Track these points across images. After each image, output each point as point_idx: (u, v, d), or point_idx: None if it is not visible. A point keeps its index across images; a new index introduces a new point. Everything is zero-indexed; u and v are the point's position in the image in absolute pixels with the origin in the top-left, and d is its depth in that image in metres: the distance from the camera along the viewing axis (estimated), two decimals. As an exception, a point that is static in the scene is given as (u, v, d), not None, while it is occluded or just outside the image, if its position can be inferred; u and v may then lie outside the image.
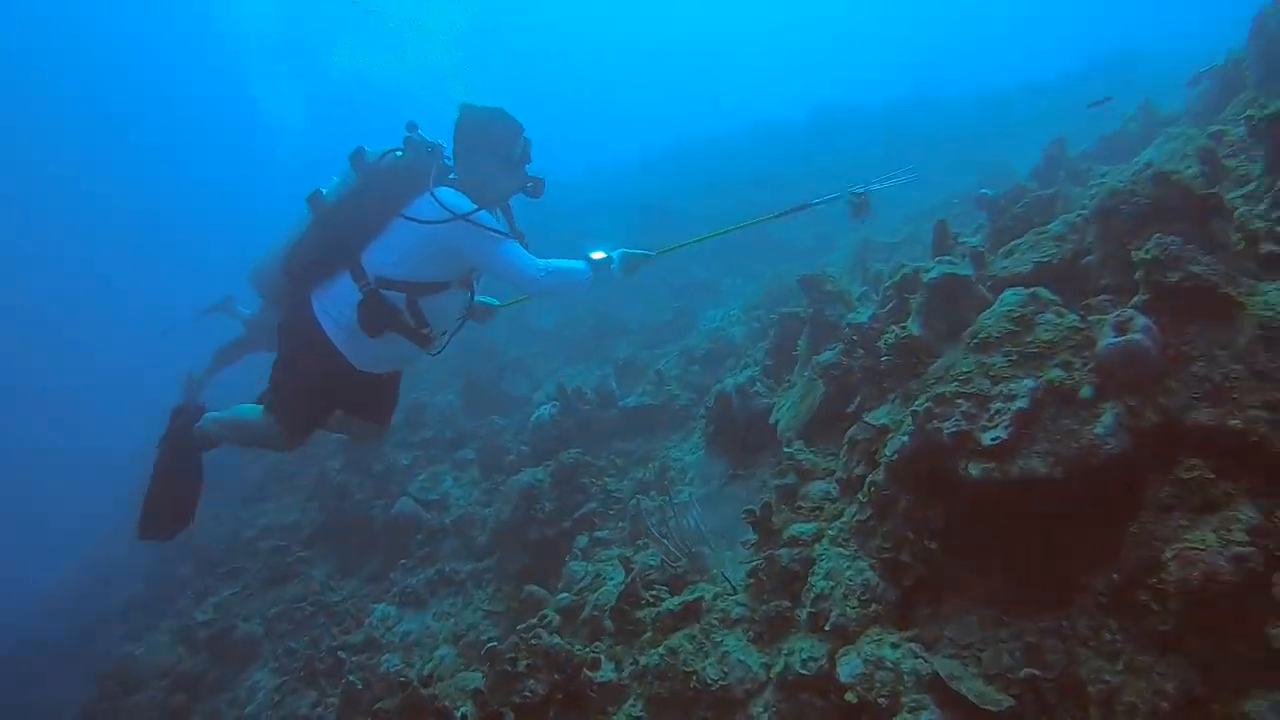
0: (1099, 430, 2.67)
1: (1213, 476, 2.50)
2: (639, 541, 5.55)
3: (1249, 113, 3.58)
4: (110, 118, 43.05)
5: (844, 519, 3.52)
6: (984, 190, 5.26)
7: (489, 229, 3.48)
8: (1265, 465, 2.48)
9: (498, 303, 4.50)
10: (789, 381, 5.10)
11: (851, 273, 7.44)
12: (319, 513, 9.11)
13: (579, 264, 3.72)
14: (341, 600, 7.95)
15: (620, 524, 6.45)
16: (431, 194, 3.45)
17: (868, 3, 54.10)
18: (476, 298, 4.23)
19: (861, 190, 3.92)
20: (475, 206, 3.50)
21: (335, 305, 3.62)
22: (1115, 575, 2.63)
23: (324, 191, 3.73)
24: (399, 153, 3.76)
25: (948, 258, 3.52)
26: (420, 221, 3.46)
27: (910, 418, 2.96)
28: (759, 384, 5.43)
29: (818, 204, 4.08)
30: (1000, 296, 3.15)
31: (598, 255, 3.79)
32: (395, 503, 8.46)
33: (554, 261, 3.64)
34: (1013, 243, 3.79)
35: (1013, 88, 19.67)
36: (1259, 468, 2.49)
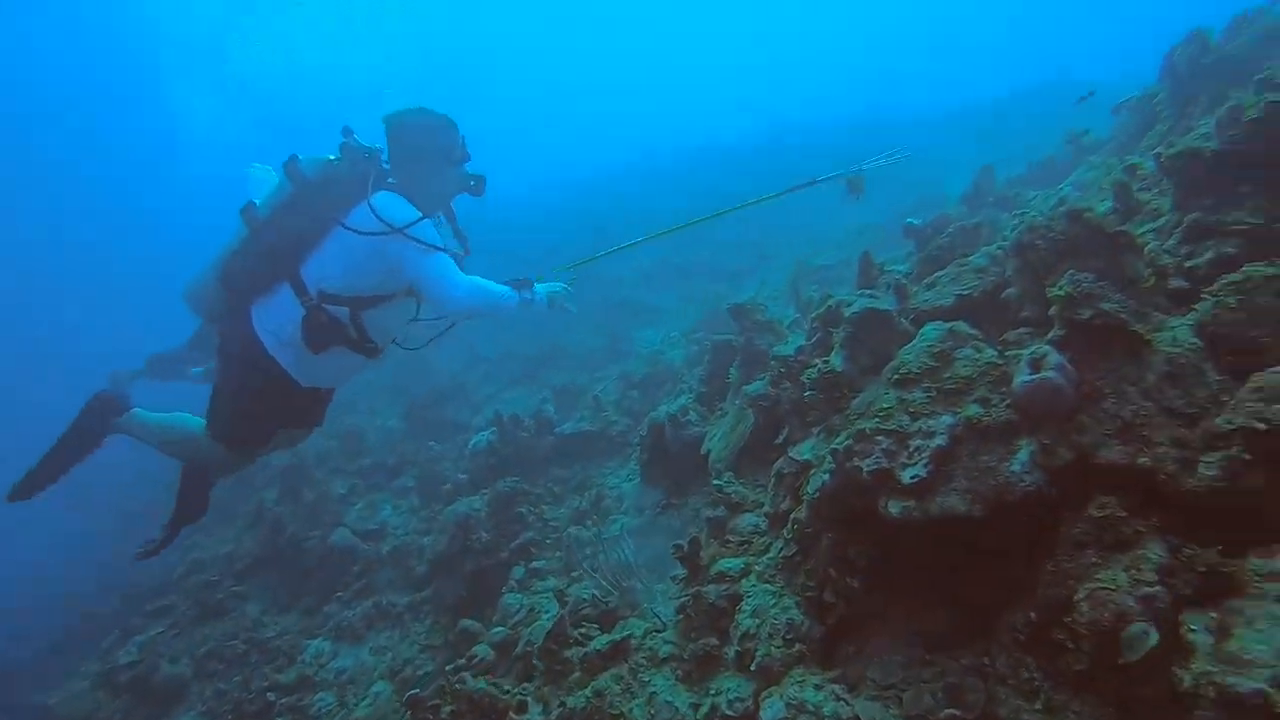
0: (1015, 467, 2.68)
1: (1124, 514, 2.52)
2: (573, 573, 5.47)
3: (1158, 150, 3.66)
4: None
5: (771, 554, 3.49)
6: (911, 219, 5.32)
7: (421, 242, 3.37)
8: (1173, 502, 2.50)
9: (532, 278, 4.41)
10: (721, 410, 5.08)
11: (788, 296, 7.49)
12: (254, 544, 8.82)
13: (505, 289, 3.60)
14: (275, 636, 7.68)
15: (557, 553, 6.35)
16: (368, 203, 3.35)
17: (819, 28, 55.23)
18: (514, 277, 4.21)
19: (858, 171, 3.93)
20: (416, 213, 3.41)
21: (276, 321, 3.49)
22: (1033, 613, 2.63)
23: (257, 203, 3.59)
24: (335, 160, 3.64)
25: (870, 291, 3.53)
26: (359, 233, 3.35)
27: (831, 456, 2.95)
28: (692, 412, 5.40)
29: (820, 181, 4.06)
30: (921, 331, 3.16)
31: (525, 283, 3.70)
32: (331, 533, 8.23)
33: (480, 281, 3.52)
34: (936, 274, 3.82)
35: (955, 110, 20.20)
36: (1168, 505, 2.52)
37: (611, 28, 55.01)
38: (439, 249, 3.44)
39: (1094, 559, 2.49)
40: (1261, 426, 2.32)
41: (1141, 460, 2.57)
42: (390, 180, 3.62)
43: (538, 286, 3.74)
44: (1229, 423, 2.46)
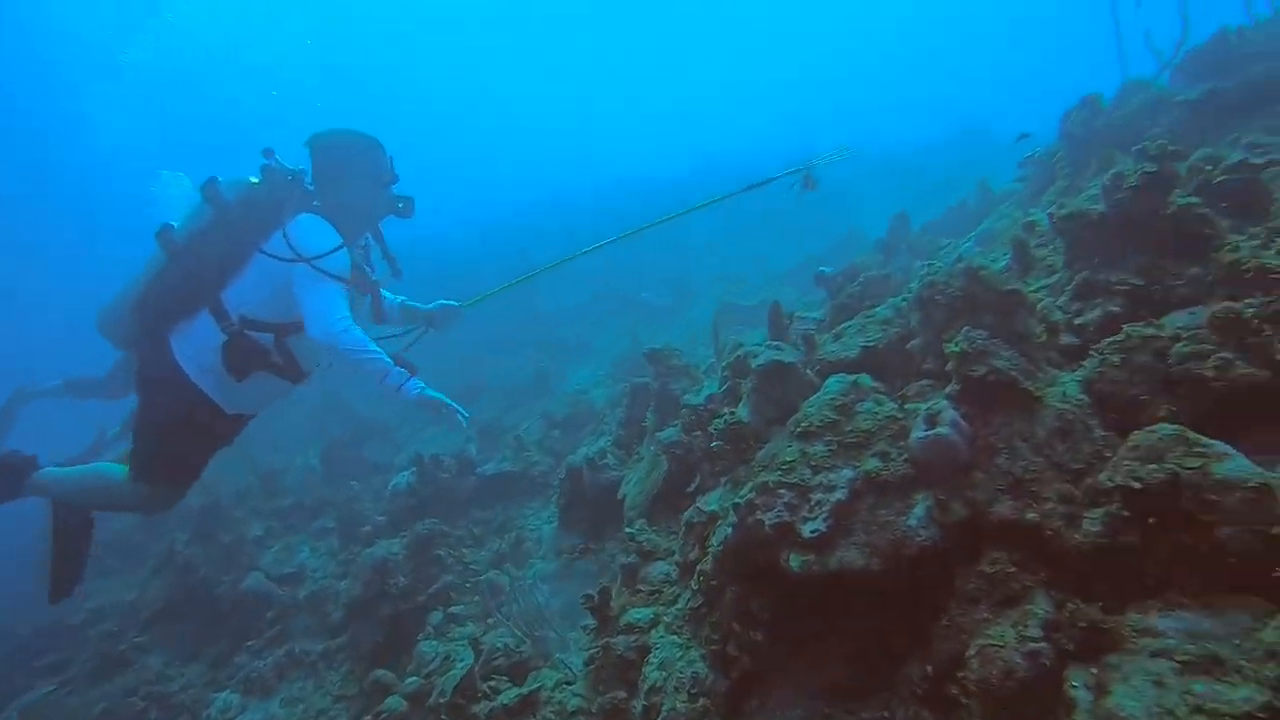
0: (911, 522, 2.73)
1: (1013, 569, 2.58)
2: (489, 619, 5.36)
3: (1050, 210, 3.83)
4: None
5: (680, 605, 3.48)
6: (823, 268, 5.44)
7: (325, 272, 3.28)
8: (1059, 558, 2.58)
9: (458, 303, 4.28)
10: (638, 455, 5.08)
11: (711, 337, 7.56)
12: (162, 590, 8.40)
13: (384, 364, 3.36)
14: (179, 690, 7.29)
15: (476, 598, 6.23)
16: (282, 229, 3.29)
17: (750, 70, 56.49)
18: (437, 301, 4.13)
19: (809, 167, 4.04)
20: (335, 238, 3.34)
21: (197, 348, 3.38)
22: (929, 667, 2.66)
23: (174, 225, 3.47)
24: (256, 182, 3.55)
25: (776, 343, 3.58)
26: (276, 258, 3.28)
27: (733, 509, 2.97)
28: (610, 456, 5.39)
29: (772, 181, 4.12)
30: (825, 383, 3.22)
31: (409, 369, 3.46)
32: (245, 578, 7.91)
33: (361, 337, 3.33)
34: (843, 325, 3.91)
35: (880, 152, 20.84)
36: (1055, 560, 2.59)
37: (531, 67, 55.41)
38: (339, 280, 3.36)
39: (985, 614, 2.55)
40: (1137, 485, 2.41)
41: (1030, 516, 2.64)
42: (315, 203, 3.55)
43: (429, 391, 3.41)
44: (1110, 480, 2.56)
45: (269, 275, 3.33)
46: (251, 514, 9.18)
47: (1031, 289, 3.85)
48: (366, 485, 9.40)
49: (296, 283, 3.30)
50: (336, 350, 3.27)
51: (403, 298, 4.27)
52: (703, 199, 4.12)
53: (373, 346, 3.35)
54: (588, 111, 59.07)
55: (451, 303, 4.25)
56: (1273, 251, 2.89)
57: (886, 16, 53.00)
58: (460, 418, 3.46)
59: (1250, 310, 2.80)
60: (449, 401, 3.42)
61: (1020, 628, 2.41)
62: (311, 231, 3.34)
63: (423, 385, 3.38)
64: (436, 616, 6.12)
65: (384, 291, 4.16)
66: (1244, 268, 2.96)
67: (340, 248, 3.36)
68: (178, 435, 3.49)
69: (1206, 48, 5.74)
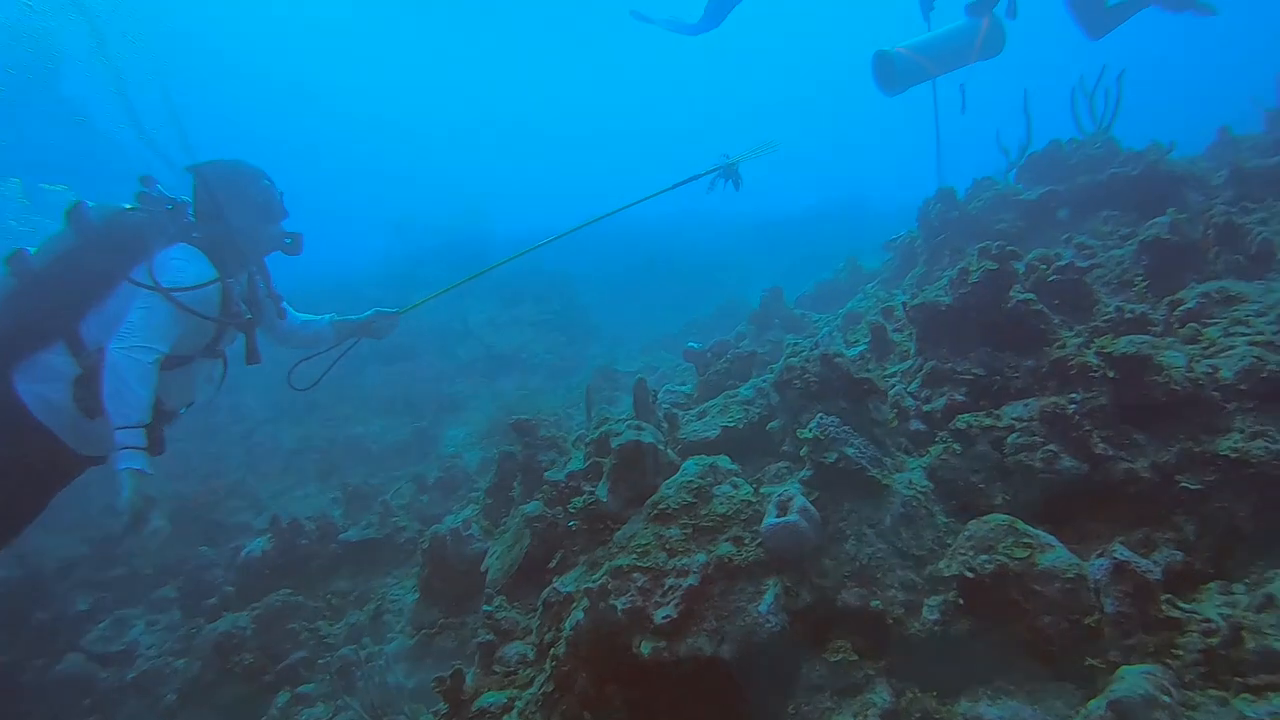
0: (762, 609, 2.73)
1: (855, 658, 2.62)
2: (339, 701, 5.04)
3: (903, 299, 4.02)
4: None
5: (534, 688, 3.35)
6: (691, 344, 5.53)
7: (179, 305, 3.11)
8: (899, 644, 2.64)
9: (396, 310, 4.23)
10: (503, 526, 4.95)
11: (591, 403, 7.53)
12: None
13: (140, 413, 3.02)
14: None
15: (329, 675, 5.85)
16: (150, 259, 3.14)
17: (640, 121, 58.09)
18: (375, 309, 4.07)
19: (731, 162, 4.25)
20: (211, 272, 3.23)
21: (44, 383, 3.09)
22: (777, 757, 2.65)
23: (30, 251, 3.23)
24: (131, 209, 3.36)
25: (637, 422, 3.58)
26: (141, 286, 3.09)
27: (585, 594, 2.90)
28: (475, 525, 5.22)
29: (694, 179, 4.25)
30: (683, 465, 3.23)
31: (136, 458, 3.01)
32: (60, 660, 7.14)
33: (139, 389, 3.01)
34: (707, 403, 3.97)
35: (763, 219, 21.66)
36: (896, 647, 2.65)
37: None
38: (193, 313, 3.19)
39: (828, 703, 2.56)
40: (970, 575, 2.50)
41: (875, 603, 2.70)
42: (195, 234, 3.37)
43: (133, 474, 2.95)
44: (947, 568, 2.65)
45: (135, 306, 3.14)
46: (78, 586, 8.36)
47: (887, 373, 4.02)
48: (220, 550, 8.76)
49: (138, 304, 3.12)
50: (108, 361, 2.98)
51: (330, 315, 4.22)
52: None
53: (143, 395, 3.02)
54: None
55: (386, 309, 4.20)
56: (1093, 351, 3.11)
57: (772, 93, 55.86)
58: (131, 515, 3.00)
59: (1072, 406, 2.99)
60: (129, 494, 2.95)
61: (860, 718, 2.43)
62: (179, 261, 3.20)
63: (142, 465, 2.98)
64: (283, 698, 5.70)
65: (306, 315, 4.14)
66: (1069, 364, 3.17)
67: (211, 283, 3.22)
68: (13, 481, 3.17)
69: (1044, 154, 6.28)
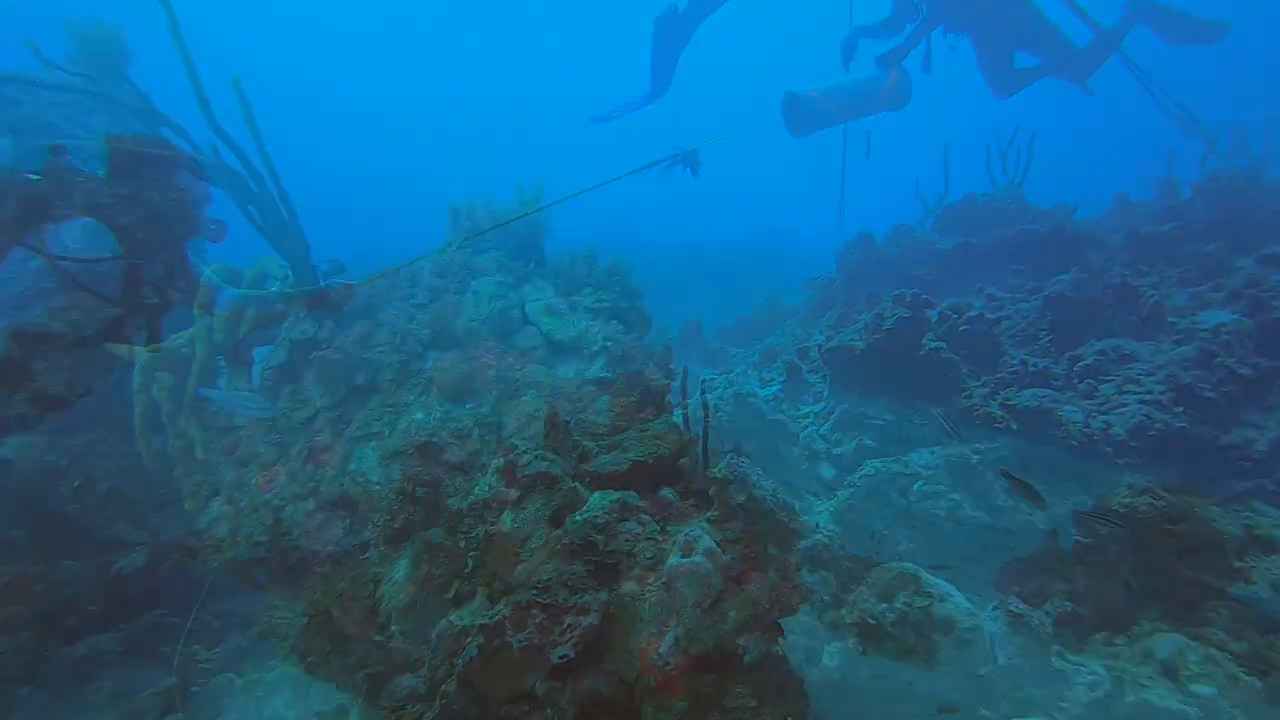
0: (663, 650, 2.66)
1: (754, 704, 2.58)
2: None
3: (818, 340, 4.05)
4: None
5: (422, 728, 3.19)
6: (603, 374, 5.44)
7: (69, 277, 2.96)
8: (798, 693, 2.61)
9: (355, 282, 4.18)
10: (404, 550, 4.75)
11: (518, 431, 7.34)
12: None
13: None
14: None
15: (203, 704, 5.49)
16: (46, 228, 3.00)
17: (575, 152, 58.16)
18: (327, 280, 4.03)
19: (690, 150, 4.27)
20: (114, 248, 3.08)
21: None
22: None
23: None
24: (35, 178, 3.11)
25: (545, 453, 3.49)
26: (38, 253, 2.98)
27: (480, 630, 2.78)
28: (373, 550, 4.99)
29: (656, 164, 4.29)
30: (590, 499, 3.15)
31: None
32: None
33: None
34: (619, 436, 3.90)
35: (691, 244, 21.72)
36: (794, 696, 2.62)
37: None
38: (87, 291, 3.03)
39: (725, 751, 2.51)
40: (872, 622, 2.50)
41: (776, 649, 2.66)
42: (107, 209, 3.17)
43: None
44: (848, 616, 2.64)
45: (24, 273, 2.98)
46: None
47: (801, 413, 4.03)
48: (87, 565, 8.17)
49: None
50: None
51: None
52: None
53: None
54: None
55: (338, 280, 4.14)
56: (998, 402, 3.18)
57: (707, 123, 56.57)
58: None
59: (976, 457, 3.04)
60: None
61: (756, 769, 2.38)
62: (80, 235, 3.01)
63: None
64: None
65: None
66: (975, 414, 3.23)
67: (113, 259, 3.06)
68: None
69: (960, 206, 6.49)
